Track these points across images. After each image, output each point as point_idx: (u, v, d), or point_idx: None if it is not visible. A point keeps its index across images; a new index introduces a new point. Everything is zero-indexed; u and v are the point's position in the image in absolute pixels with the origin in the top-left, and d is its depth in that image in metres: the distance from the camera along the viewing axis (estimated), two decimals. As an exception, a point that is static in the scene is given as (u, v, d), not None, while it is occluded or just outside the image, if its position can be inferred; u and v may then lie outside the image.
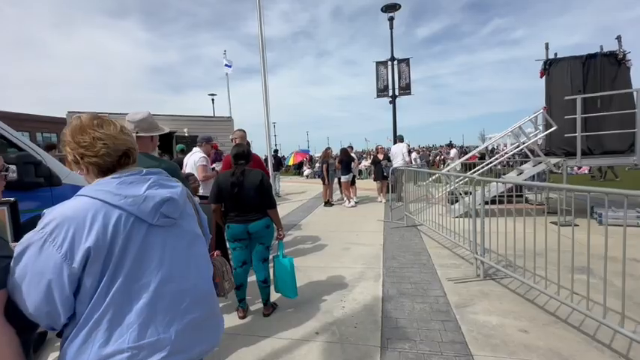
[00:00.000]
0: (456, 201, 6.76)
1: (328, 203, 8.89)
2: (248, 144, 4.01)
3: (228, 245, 3.02)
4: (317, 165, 11.69)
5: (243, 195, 2.74)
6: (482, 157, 11.74)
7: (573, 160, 5.79)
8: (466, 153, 11.20)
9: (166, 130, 2.12)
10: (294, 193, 12.67)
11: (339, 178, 9.17)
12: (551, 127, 6.42)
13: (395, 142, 9.39)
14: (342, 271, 3.95)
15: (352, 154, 9.57)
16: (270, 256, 3.12)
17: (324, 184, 8.99)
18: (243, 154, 2.86)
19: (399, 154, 8.83)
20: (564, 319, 2.62)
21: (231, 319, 2.92)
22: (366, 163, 17.88)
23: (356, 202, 9.11)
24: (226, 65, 18.78)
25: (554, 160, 5.82)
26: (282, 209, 8.78)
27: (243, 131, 4.20)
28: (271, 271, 3.05)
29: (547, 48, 6.84)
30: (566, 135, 5.82)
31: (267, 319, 2.91)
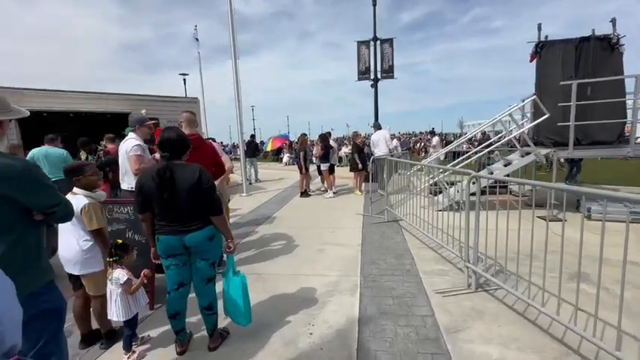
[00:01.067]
0: (439, 192, 6.33)
1: (305, 193, 8.27)
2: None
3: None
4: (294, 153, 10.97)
5: (175, 198, 2.04)
6: (470, 143, 11.39)
7: (565, 150, 5.41)
8: (446, 141, 10.86)
9: (24, 113, 1.40)
10: (270, 181, 11.95)
11: (318, 167, 8.54)
12: (542, 115, 6.01)
13: (380, 129, 8.78)
14: (314, 281, 3.37)
15: (331, 141, 8.92)
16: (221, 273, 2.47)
17: (301, 172, 8.33)
18: (169, 142, 2.12)
19: (381, 142, 8.25)
20: (576, 348, 2.16)
21: (167, 355, 2.28)
22: (346, 150, 17.31)
23: (334, 193, 8.55)
24: (197, 39, 17.39)
25: (543, 151, 5.44)
26: (254, 200, 8.08)
27: (192, 113, 3.45)
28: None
29: (540, 29, 6.36)
30: (558, 124, 5.42)
31: (213, 355, 2.28)
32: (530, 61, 6.64)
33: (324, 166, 8.14)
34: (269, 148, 22.95)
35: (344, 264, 3.78)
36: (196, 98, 8.29)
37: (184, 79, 21.40)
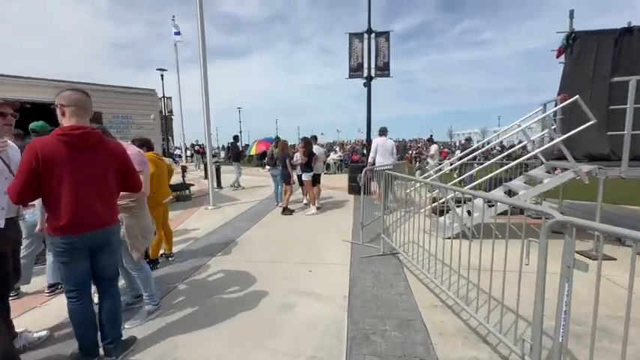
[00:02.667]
0: (443, 212, 5.10)
1: (287, 210, 6.85)
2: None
3: None
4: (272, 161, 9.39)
5: None
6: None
7: (614, 169, 4.19)
8: (447, 149, 9.76)
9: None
10: (249, 189, 10.51)
11: (299, 176, 7.18)
12: (578, 121, 4.84)
13: (381, 134, 7.68)
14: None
15: (316, 147, 7.58)
16: None
17: (287, 184, 6.91)
18: None
19: (387, 151, 7.15)
20: None
21: None
22: (335, 156, 16.02)
23: (318, 208, 7.19)
24: (176, 33, 15.89)
25: (585, 168, 4.23)
26: (221, 215, 6.64)
27: (82, 94, 2.04)
28: None
29: (572, 16, 5.22)
30: (608, 133, 4.24)
31: None
32: (558, 55, 5.50)
33: (306, 176, 6.78)
34: (253, 151, 21.43)
35: (319, 341, 2.41)
36: (153, 90, 6.84)
37: (162, 75, 19.81)
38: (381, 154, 7.29)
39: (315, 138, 7.87)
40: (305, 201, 8.04)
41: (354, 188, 9.24)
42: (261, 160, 23.22)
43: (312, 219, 6.46)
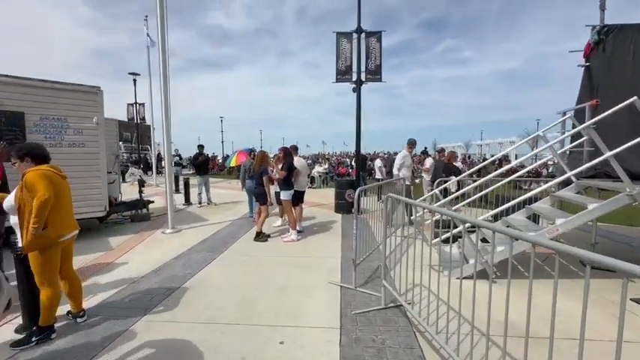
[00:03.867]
0: (449, 240, 4.05)
1: (261, 236, 5.62)
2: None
3: None
4: (246, 178, 7.91)
5: None
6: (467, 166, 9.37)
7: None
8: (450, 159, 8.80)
9: None
10: (221, 205, 9.18)
11: (277, 194, 6.00)
12: (610, 129, 3.94)
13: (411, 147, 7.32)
14: None
15: (297, 159, 6.44)
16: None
17: (262, 204, 5.69)
18: None
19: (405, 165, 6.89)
20: None
21: None
22: (320, 169, 14.94)
23: (300, 231, 6.00)
24: (149, 36, 14.61)
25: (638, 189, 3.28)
26: (178, 243, 5.31)
27: None
28: None
29: (603, 8, 4.40)
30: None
31: None
32: (586, 54, 4.65)
33: (284, 195, 5.59)
34: (233, 163, 20.10)
35: None
36: (97, 88, 5.56)
37: (134, 80, 18.36)
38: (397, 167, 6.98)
39: (295, 148, 6.74)
40: (279, 222, 6.85)
41: (341, 206, 8.13)
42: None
43: (291, 247, 5.25)
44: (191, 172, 17.67)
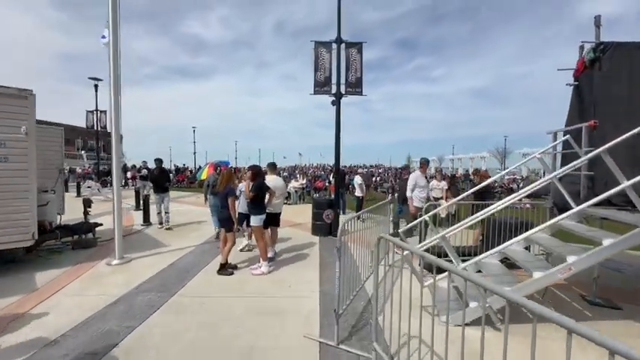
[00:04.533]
0: (436, 270, 3.51)
1: (226, 268, 4.82)
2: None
3: None
4: (209, 194, 7.05)
5: None
6: (452, 180, 9.03)
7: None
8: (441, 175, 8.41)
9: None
10: (184, 226, 8.20)
11: (246, 217, 5.25)
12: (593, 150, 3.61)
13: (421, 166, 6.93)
14: None
15: (275, 177, 5.75)
16: None
17: (228, 230, 4.88)
18: None
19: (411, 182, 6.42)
20: None
21: None
22: (296, 184, 14.25)
23: (272, 258, 5.27)
24: (104, 37, 13.43)
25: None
26: (124, 278, 4.33)
27: None
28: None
29: (598, 25, 4.16)
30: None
31: None
32: (578, 72, 4.40)
33: (255, 221, 4.85)
34: (204, 176, 18.90)
35: None
36: (27, 91, 4.62)
37: (96, 85, 16.96)
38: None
39: (273, 166, 6.07)
40: (245, 242, 6.10)
41: (319, 228, 7.46)
42: (214, 185, 20.69)
43: (261, 283, 4.49)
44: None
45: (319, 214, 7.43)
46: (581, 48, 5.05)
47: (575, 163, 4.05)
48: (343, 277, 3.10)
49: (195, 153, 41.71)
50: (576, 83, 5.05)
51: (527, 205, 14.91)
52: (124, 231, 7.61)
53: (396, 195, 8.78)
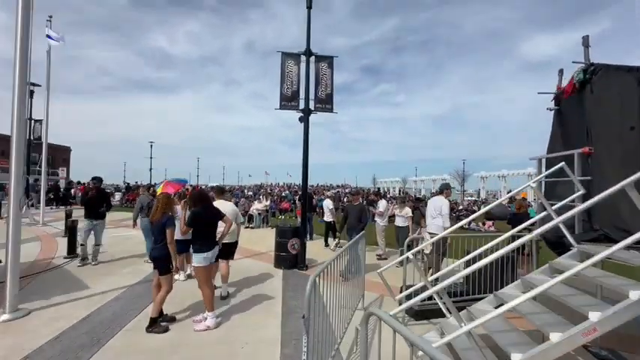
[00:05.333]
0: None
1: (159, 323, 3.71)
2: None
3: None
4: (141, 217, 6.04)
5: None
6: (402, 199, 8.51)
7: None
8: (411, 201, 7.81)
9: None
10: (124, 259, 6.80)
11: (183, 241, 4.18)
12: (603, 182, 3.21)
13: (441, 192, 5.99)
14: None
15: (222, 202, 4.78)
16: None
17: (163, 274, 3.76)
18: None
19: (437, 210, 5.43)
20: None
21: None
22: (259, 206, 13.18)
23: (224, 298, 4.25)
24: (49, 37, 11.97)
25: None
26: (11, 343, 3.10)
27: None
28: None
29: (587, 45, 3.89)
30: None
31: None
32: (567, 93, 4.08)
33: (197, 260, 3.82)
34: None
35: None
36: None
37: (31, 91, 14.89)
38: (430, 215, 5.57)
39: (220, 190, 5.12)
40: (182, 277, 5.03)
41: (282, 260, 6.52)
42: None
43: (205, 343, 3.44)
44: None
45: (283, 244, 6.50)
46: (561, 72, 4.87)
47: (576, 195, 3.62)
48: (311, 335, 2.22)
49: (151, 169, 38.74)
50: (557, 108, 4.82)
51: (492, 228, 15.08)
52: (38, 266, 6.13)
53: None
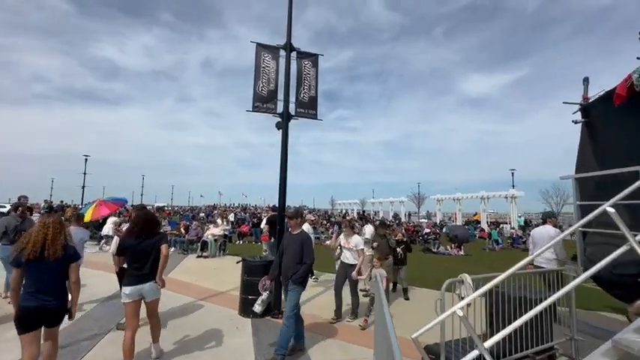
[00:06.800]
0: None
1: None
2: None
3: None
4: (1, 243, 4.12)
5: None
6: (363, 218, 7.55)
7: None
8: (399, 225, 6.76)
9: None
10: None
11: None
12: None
13: (545, 222, 5.20)
14: None
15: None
16: None
17: (53, 326, 2.13)
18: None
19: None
20: None
21: None
22: (215, 230, 11.29)
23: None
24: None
25: None
26: None
27: None
28: None
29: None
30: None
31: None
32: (621, 97, 3.41)
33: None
34: (88, 217, 14.02)
35: None
36: None
37: None
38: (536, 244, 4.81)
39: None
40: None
41: (250, 305, 4.95)
42: (99, 228, 15.61)
43: None
44: None
45: (252, 283, 4.97)
46: (586, 80, 4.34)
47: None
48: None
49: (84, 187, 33.81)
50: (585, 120, 4.22)
51: (461, 252, 14.76)
52: None
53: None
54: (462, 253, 14.58)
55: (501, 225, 25.06)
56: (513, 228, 23.85)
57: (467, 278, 2.98)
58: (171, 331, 4.17)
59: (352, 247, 5.19)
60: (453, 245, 15.56)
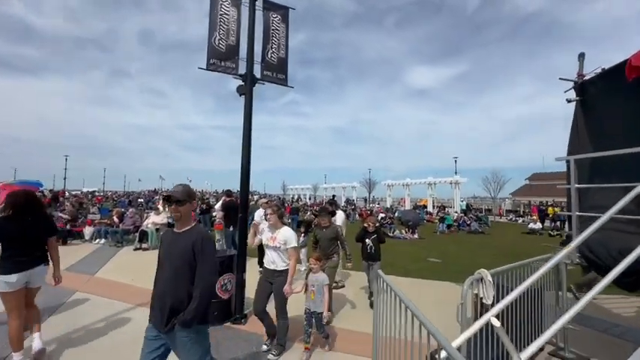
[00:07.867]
0: None
1: None
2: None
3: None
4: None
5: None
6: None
7: None
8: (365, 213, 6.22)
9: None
10: None
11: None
12: None
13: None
14: None
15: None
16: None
17: None
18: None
19: None
20: None
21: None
22: (156, 218, 9.79)
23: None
24: None
25: None
26: None
27: None
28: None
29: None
30: None
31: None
32: (630, 74, 3.12)
33: None
34: (-14, 203, 11.40)
35: None
36: None
37: None
38: None
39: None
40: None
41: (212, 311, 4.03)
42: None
43: None
44: None
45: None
46: (581, 56, 4.09)
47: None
48: None
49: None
50: (579, 98, 3.98)
51: (415, 236, 15.10)
52: None
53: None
54: (416, 236, 14.94)
55: (446, 209, 26.65)
56: (456, 212, 25.56)
57: (487, 276, 2.46)
58: (95, 353, 3.10)
59: (279, 245, 3.35)
60: (407, 229, 15.90)
